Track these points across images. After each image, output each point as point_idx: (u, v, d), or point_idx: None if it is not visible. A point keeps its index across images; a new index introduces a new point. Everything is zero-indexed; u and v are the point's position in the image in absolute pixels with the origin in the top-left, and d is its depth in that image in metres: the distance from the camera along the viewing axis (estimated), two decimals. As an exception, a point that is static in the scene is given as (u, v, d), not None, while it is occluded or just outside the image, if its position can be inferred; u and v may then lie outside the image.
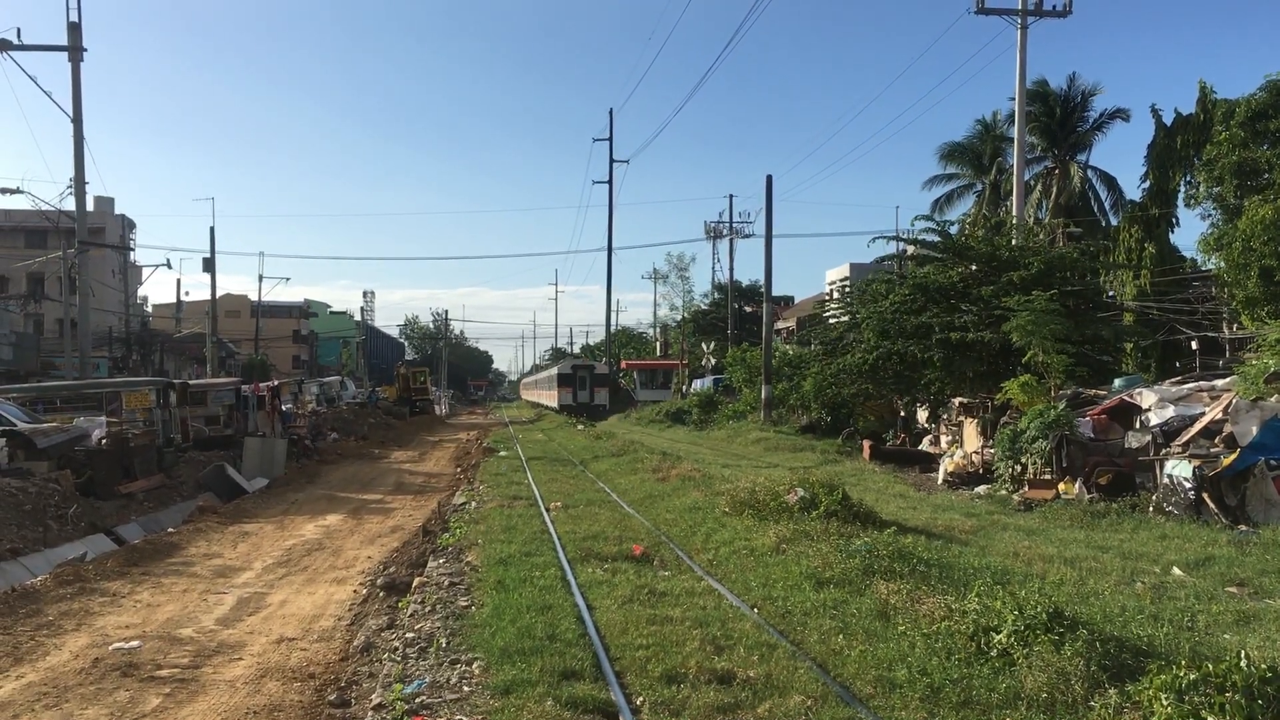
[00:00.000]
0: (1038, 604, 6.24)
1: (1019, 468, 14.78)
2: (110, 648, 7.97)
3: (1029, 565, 9.20)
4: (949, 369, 20.27)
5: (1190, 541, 10.11)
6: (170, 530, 14.59)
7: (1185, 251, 30.53)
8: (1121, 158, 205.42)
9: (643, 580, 8.76)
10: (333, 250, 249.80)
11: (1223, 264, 22.27)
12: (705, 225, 60.04)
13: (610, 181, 63.11)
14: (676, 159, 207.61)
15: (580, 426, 39.92)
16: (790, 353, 38.45)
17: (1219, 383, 14.83)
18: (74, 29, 30.66)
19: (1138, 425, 14.08)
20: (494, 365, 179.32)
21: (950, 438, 20.65)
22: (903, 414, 24.95)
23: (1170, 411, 13.75)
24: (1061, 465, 14.01)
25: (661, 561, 9.91)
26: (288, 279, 69.33)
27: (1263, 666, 4.79)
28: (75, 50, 30.70)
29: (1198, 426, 12.90)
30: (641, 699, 5.71)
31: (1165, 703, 4.77)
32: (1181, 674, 4.89)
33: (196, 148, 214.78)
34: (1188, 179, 27.99)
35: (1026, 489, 14.09)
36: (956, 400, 20.75)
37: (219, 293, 53.82)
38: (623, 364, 70.83)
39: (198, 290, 78.90)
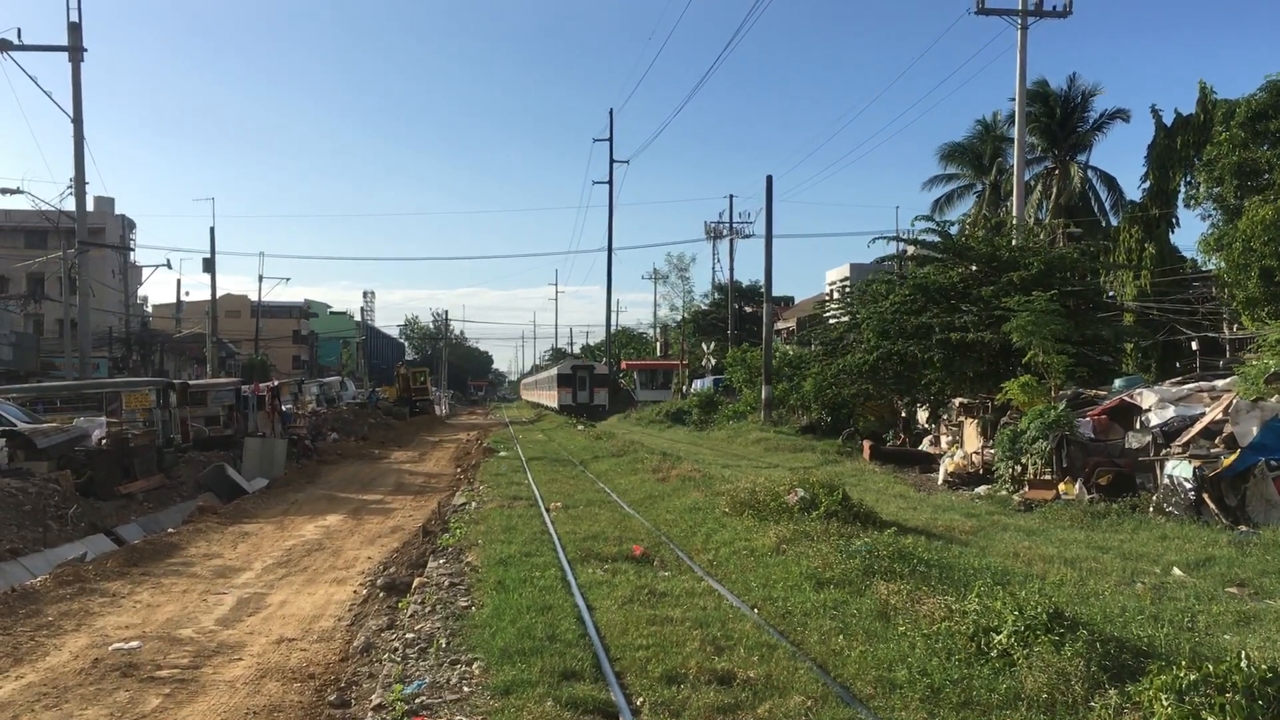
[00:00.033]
0: (1038, 604, 6.24)
1: (1019, 468, 14.77)
2: (110, 648, 7.96)
3: (1029, 566, 9.20)
4: (949, 369, 20.27)
5: (1190, 542, 10.10)
6: (170, 530, 14.59)
7: (1185, 252, 30.58)
8: (1122, 158, 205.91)
9: (643, 581, 8.75)
10: (333, 250, 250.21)
11: (1223, 264, 22.28)
12: (705, 225, 60.18)
13: (610, 182, 63.20)
14: (676, 159, 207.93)
15: (580, 427, 39.93)
16: (790, 353, 38.46)
17: (1219, 383, 14.83)
18: (74, 29, 30.69)
19: (1138, 426, 14.08)
20: (494, 365, 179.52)
21: (950, 438, 20.65)
22: (903, 414, 24.94)
23: (1170, 412, 13.75)
24: (1062, 466, 14.01)
25: (661, 562, 9.91)
26: (288, 279, 69.49)
27: (1263, 667, 4.79)
28: (75, 50, 30.72)
29: (1198, 427, 12.89)
30: (641, 699, 5.71)
31: (1165, 703, 4.77)
32: (1182, 675, 4.89)
33: (196, 148, 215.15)
34: (1188, 179, 27.99)
35: (1027, 489, 14.09)
36: (957, 401, 20.74)
37: (219, 293, 53.86)
38: (623, 364, 70.84)
39: (198, 290, 78.96)
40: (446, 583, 9.20)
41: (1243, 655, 4.97)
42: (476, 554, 10.51)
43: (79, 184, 31.88)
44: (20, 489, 14.01)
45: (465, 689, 6.04)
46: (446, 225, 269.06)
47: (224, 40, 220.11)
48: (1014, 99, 28.27)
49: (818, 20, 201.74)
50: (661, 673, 6.07)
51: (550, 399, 61.30)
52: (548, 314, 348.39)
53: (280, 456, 22.89)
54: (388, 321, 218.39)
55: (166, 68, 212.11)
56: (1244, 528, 10.90)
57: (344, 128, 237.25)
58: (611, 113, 68.25)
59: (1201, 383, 15.40)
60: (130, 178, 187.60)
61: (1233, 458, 11.63)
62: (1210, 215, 24.82)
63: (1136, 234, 29.80)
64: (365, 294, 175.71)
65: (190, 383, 27.26)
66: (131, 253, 59.69)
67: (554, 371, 62.32)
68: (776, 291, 48.21)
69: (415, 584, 9.48)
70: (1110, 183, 38.90)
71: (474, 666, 6.45)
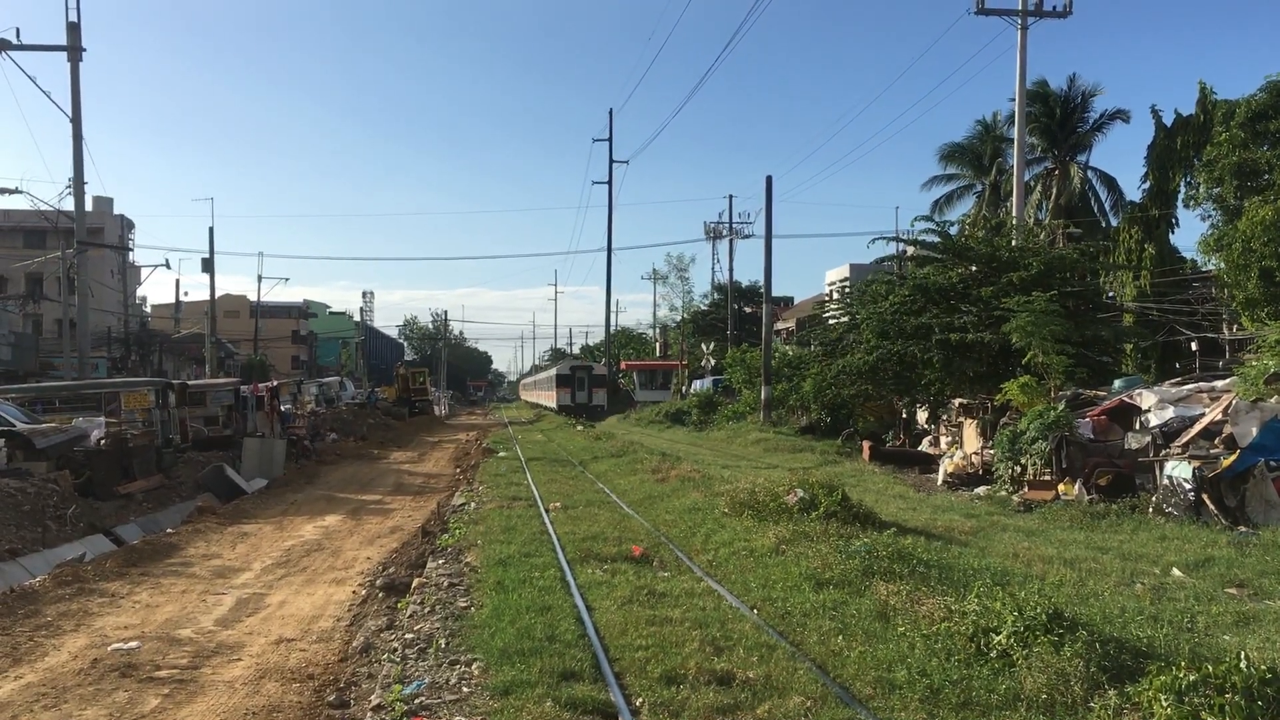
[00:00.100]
0: (1037, 605, 6.24)
1: (1019, 469, 14.77)
2: (109, 648, 7.96)
3: (1028, 566, 9.20)
4: (949, 370, 20.27)
5: (1190, 543, 10.10)
6: (169, 531, 14.58)
7: (1185, 252, 30.64)
8: (1121, 158, 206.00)
9: (642, 581, 8.75)
10: (332, 250, 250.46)
11: (1223, 265, 22.30)
12: (705, 226, 60.20)
13: (610, 182, 63.16)
14: (676, 160, 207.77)
15: (579, 427, 39.91)
16: (790, 353, 38.46)
17: (1219, 384, 14.85)
18: (73, 29, 30.68)
19: (1137, 426, 14.09)
20: (493, 366, 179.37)
21: (950, 439, 20.66)
22: (902, 415, 24.95)
23: (1170, 412, 13.76)
24: (1061, 466, 14.01)
25: (661, 562, 9.91)
26: (287, 279, 69.73)
27: (1262, 668, 4.80)
28: (74, 50, 30.73)
29: (1197, 427, 12.90)
30: (641, 700, 5.71)
31: (1165, 704, 4.77)
32: (1181, 675, 4.89)
33: (196, 148, 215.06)
34: (1188, 180, 28.02)
35: (1026, 490, 14.09)
36: (956, 401, 20.75)
37: (218, 293, 53.86)
38: (622, 364, 70.86)
39: (197, 290, 79.04)
40: (446, 583, 9.20)
41: (1242, 656, 4.97)
42: (476, 554, 10.51)
43: (78, 184, 31.89)
44: (19, 489, 14.00)
45: (464, 689, 6.03)
46: (446, 225, 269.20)
47: (224, 40, 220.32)
48: (1014, 99, 28.30)
49: (818, 20, 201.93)
50: (661, 673, 6.06)
51: (549, 399, 61.32)
52: (547, 314, 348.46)
53: (279, 457, 22.89)
54: (387, 322, 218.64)
55: (166, 68, 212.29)
56: (1243, 528, 10.90)
57: (344, 128, 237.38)
58: (611, 113, 68.19)
59: (1201, 383, 15.41)
60: (130, 178, 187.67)
61: (1232, 458, 11.63)
62: (1210, 216, 24.86)
63: (1136, 234, 29.82)
64: (364, 294, 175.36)
65: (189, 383, 27.25)
66: (130, 253, 59.73)
67: (553, 372, 62.34)
68: (776, 292, 48.24)
69: (414, 584, 9.47)
70: (1110, 183, 38.93)
71: (473, 667, 6.44)
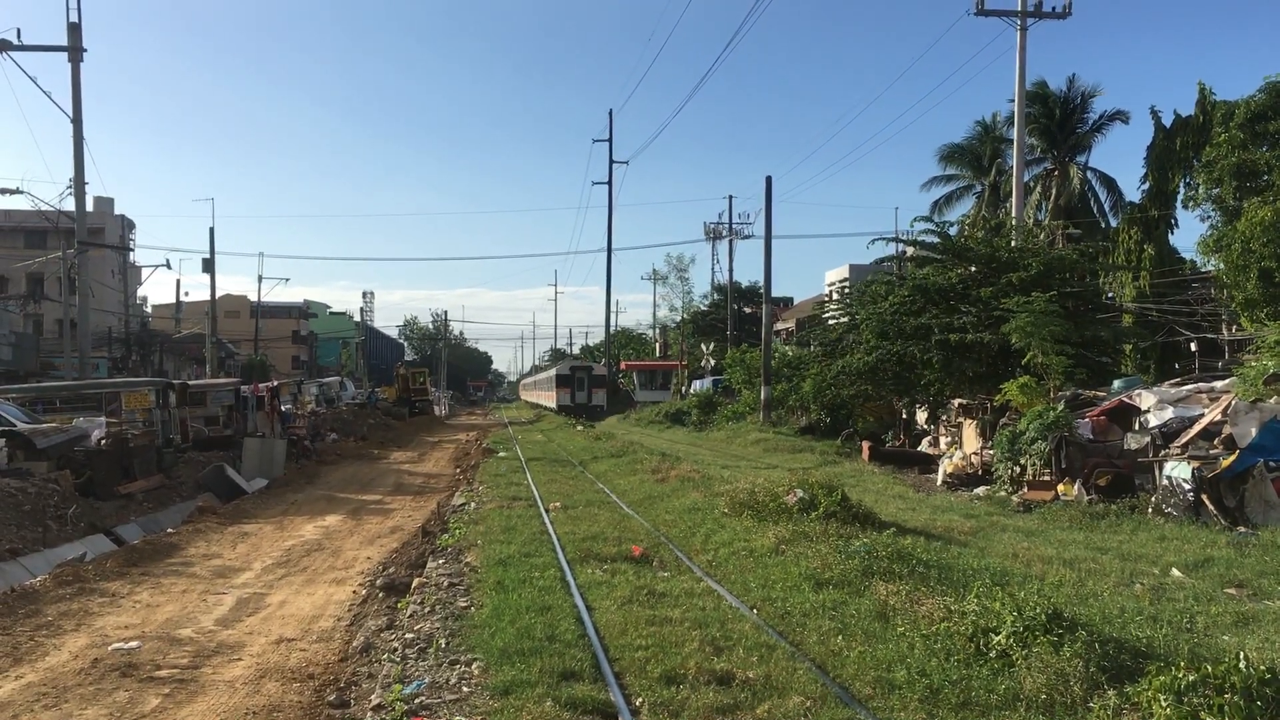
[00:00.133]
0: (1037, 605, 6.25)
1: (1018, 469, 14.78)
2: (109, 648, 7.97)
3: (1028, 566, 9.21)
4: (948, 370, 20.28)
5: (1189, 543, 10.11)
6: (170, 531, 14.59)
7: (1184, 253, 30.63)
8: (1121, 159, 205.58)
9: (642, 581, 8.76)
10: (332, 251, 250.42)
11: (1222, 266, 22.30)
12: (705, 226, 60.17)
13: (610, 182, 63.22)
14: (676, 160, 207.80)
15: (579, 427, 39.91)
16: (789, 354, 38.46)
17: (1218, 384, 14.86)
18: (74, 29, 30.70)
19: (1137, 427, 14.10)
20: (493, 366, 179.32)
21: (949, 439, 20.66)
22: (902, 415, 24.96)
23: (1169, 413, 13.76)
24: (1060, 467, 14.02)
25: (661, 562, 9.92)
26: (287, 279, 69.69)
27: (1261, 668, 4.80)
28: (75, 50, 30.75)
29: (1197, 428, 12.91)
30: (641, 700, 5.72)
31: (1164, 704, 4.78)
32: (1180, 675, 4.90)
33: (196, 148, 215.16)
34: (1187, 181, 28.04)
35: (1025, 490, 14.09)
36: (956, 401, 20.75)
37: (218, 293, 53.83)
38: (622, 365, 70.84)
39: (197, 291, 78.87)
40: (446, 583, 9.20)
41: (1241, 656, 4.98)
42: (476, 554, 10.51)
43: (78, 184, 31.91)
44: (20, 489, 14.01)
45: (464, 689, 6.04)
46: (446, 225, 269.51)
47: (224, 40, 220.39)
48: (1013, 100, 28.32)
49: (818, 20, 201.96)
50: (661, 673, 6.07)
51: (549, 399, 61.34)
52: (547, 314, 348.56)
53: (279, 457, 22.90)
54: (387, 322, 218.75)
55: (166, 68, 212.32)
56: (1242, 529, 10.91)
57: (344, 128, 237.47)
58: (611, 113, 68.25)
59: (1200, 384, 15.43)
60: (130, 178, 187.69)
61: (1231, 459, 11.64)
62: (1209, 216, 24.87)
63: (1135, 235, 29.84)
64: (364, 294, 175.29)
65: (190, 383, 27.26)
66: (131, 253, 59.68)
67: (553, 372, 62.35)
68: (776, 292, 48.31)
69: (414, 584, 9.48)
70: (1109, 184, 38.92)
71: (473, 667, 6.45)
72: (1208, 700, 4.69)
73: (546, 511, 13.73)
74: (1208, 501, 11.57)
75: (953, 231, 26.79)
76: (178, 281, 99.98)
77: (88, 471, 16.79)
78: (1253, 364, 14.70)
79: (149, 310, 71.34)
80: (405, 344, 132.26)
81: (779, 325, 54.59)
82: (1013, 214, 27.66)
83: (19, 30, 30.73)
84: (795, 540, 9.85)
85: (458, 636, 7.24)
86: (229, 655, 7.83)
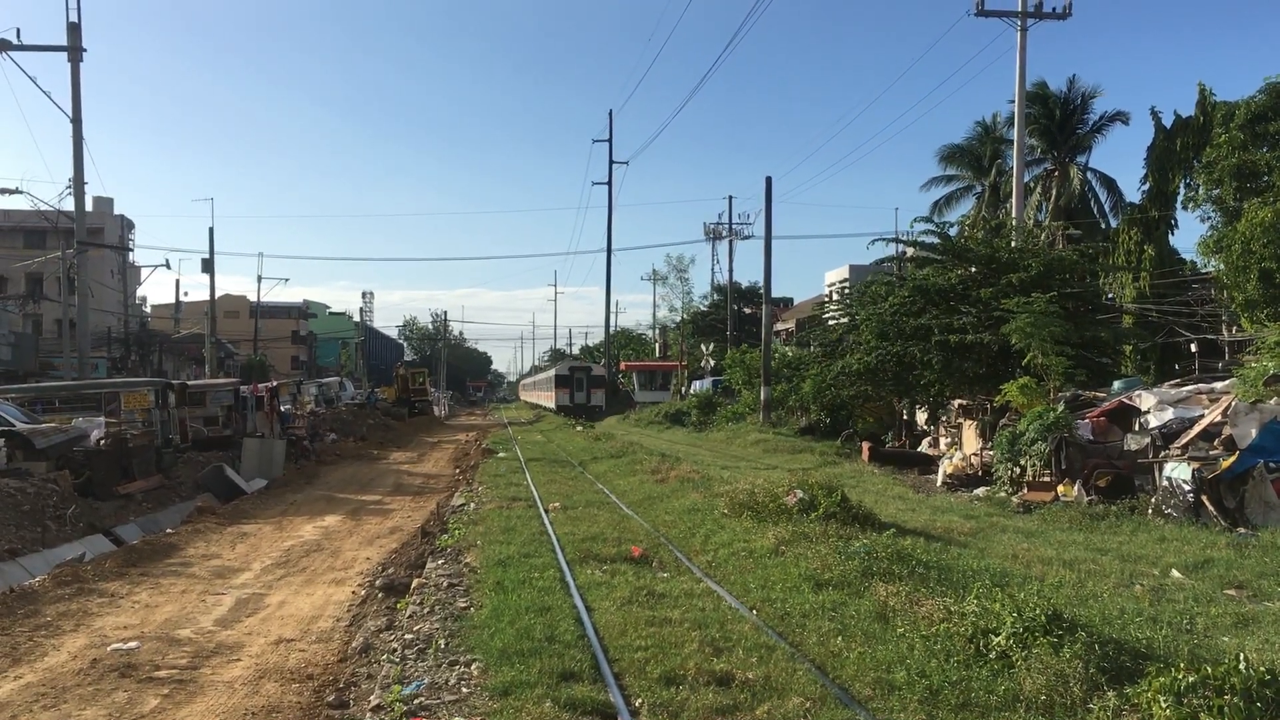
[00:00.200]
0: (1036, 606, 6.25)
1: (1018, 470, 14.78)
2: (108, 648, 7.96)
3: (1028, 567, 9.20)
4: (948, 371, 20.28)
5: (1189, 544, 10.11)
6: (169, 531, 14.58)
7: (1185, 254, 30.61)
8: (1121, 160, 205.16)
9: (642, 582, 8.75)
10: (332, 251, 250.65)
11: (1222, 266, 22.28)
12: (704, 226, 60.19)
13: (610, 183, 63.26)
14: (676, 160, 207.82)
15: (579, 428, 39.91)
16: (789, 354, 38.45)
17: (1218, 385, 14.85)
18: (74, 29, 30.68)
19: (1137, 427, 14.09)
20: (493, 366, 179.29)
21: (949, 440, 20.66)
22: (902, 416, 24.96)
23: (1169, 414, 13.76)
24: (1060, 467, 14.01)
25: (660, 563, 9.91)
26: (286, 280, 69.76)
27: (1261, 669, 4.80)
28: (75, 50, 30.72)
29: (1197, 429, 12.90)
30: (640, 700, 5.71)
31: (1164, 705, 4.78)
32: (1180, 676, 4.90)
33: (196, 148, 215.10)
34: (1187, 181, 28.01)
35: (1025, 491, 14.09)
36: (956, 402, 20.75)
37: (218, 293, 53.81)
38: (622, 365, 70.83)
39: (196, 291, 79.06)
40: (445, 584, 9.20)
41: (1241, 657, 4.98)
42: (475, 555, 10.51)
43: (78, 184, 31.88)
44: (19, 489, 14.01)
45: (464, 690, 6.04)
46: (446, 225, 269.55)
47: (224, 40, 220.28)
48: (1013, 100, 28.32)
49: (817, 20, 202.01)
50: (660, 674, 6.07)
51: (548, 400, 61.35)
52: (547, 315, 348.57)
53: (279, 457, 22.89)
54: (386, 322, 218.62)
55: (166, 68, 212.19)
56: (1242, 530, 10.91)
57: (344, 128, 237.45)
58: (611, 114, 68.34)
59: (1200, 385, 15.42)
60: (130, 178, 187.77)
61: (1231, 460, 11.64)
62: (1209, 217, 24.84)
63: (1136, 236, 29.81)
64: (364, 295, 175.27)
65: (189, 383, 27.25)
66: (130, 253, 59.74)
67: (552, 373, 62.37)
68: (776, 293, 48.37)
69: (414, 585, 9.48)
70: (1110, 184, 38.89)
71: (473, 667, 6.45)
72: (1207, 701, 4.68)
73: (546, 512, 13.72)
74: (1208, 502, 11.57)
75: (953, 232, 26.80)
76: (177, 281, 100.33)
77: (87, 472, 16.79)
78: (1253, 365, 14.69)
79: (148, 310, 71.34)
80: (405, 344, 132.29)
81: (779, 326, 54.60)
82: (1013, 215, 27.65)
83: (19, 30, 30.66)
84: (795, 541, 9.85)
85: (457, 637, 7.23)
86: (228, 656, 7.82)
